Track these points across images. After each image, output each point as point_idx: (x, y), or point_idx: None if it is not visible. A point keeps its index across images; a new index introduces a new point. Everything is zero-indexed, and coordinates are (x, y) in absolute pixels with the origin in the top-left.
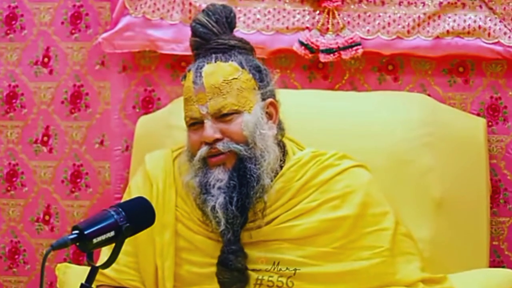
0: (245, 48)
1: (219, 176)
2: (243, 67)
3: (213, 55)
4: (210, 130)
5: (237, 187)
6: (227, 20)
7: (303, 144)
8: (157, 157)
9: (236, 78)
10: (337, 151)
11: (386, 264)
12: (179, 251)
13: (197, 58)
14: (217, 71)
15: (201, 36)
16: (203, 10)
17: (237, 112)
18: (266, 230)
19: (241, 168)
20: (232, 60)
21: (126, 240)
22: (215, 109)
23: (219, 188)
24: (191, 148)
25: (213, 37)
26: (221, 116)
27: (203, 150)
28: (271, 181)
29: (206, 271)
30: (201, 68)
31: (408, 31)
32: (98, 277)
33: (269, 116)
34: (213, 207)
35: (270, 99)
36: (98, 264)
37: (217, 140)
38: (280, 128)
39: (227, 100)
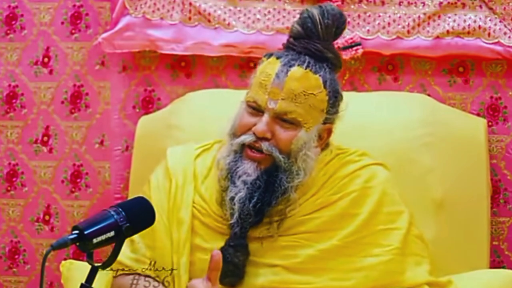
0: (336, 64)
1: (249, 171)
2: (325, 87)
3: (307, 58)
4: (265, 126)
5: (262, 189)
6: (336, 29)
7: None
8: (179, 153)
9: (314, 94)
10: (358, 149)
11: (394, 263)
12: (194, 249)
13: (289, 48)
14: (302, 79)
15: (306, 31)
16: (320, 5)
17: (297, 124)
18: (286, 223)
19: (273, 175)
20: (320, 75)
21: (144, 234)
22: (282, 110)
23: (244, 181)
24: (239, 126)
25: (315, 38)
26: (281, 118)
27: (247, 138)
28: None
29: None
30: (290, 66)
31: (408, 31)
32: (114, 265)
33: (320, 137)
34: (232, 198)
35: (328, 125)
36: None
37: (265, 138)
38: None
39: (296, 109)
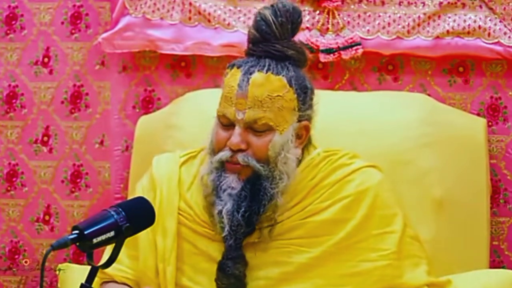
0: (299, 59)
1: (232, 184)
2: (291, 85)
3: (267, 61)
4: (238, 138)
5: (248, 198)
6: (292, 25)
7: (316, 144)
8: (164, 161)
9: (280, 96)
10: (349, 151)
11: (392, 267)
12: (182, 255)
13: (250, 54)
14: (265, 84)
15: (262, 34)
16: (272, 5)
17: (270, 129)
18: (276, 230)
19: (256, 184)
20: (283, 75)
21: (127, 243)
22: (251, 119)
23: (229, 194)
24: (216, 143)
25: (273, 39)
26: (253, 127)
27: (224, 154)
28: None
29: (208, 276)
30: (250, 74)
31: (408, 31)
32: (98, 274)
33: (298, 137)
34: (220, 212)
35: (305, 122)
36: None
37: (241, 150)
38: (308, 140)
39: (265, 114)
